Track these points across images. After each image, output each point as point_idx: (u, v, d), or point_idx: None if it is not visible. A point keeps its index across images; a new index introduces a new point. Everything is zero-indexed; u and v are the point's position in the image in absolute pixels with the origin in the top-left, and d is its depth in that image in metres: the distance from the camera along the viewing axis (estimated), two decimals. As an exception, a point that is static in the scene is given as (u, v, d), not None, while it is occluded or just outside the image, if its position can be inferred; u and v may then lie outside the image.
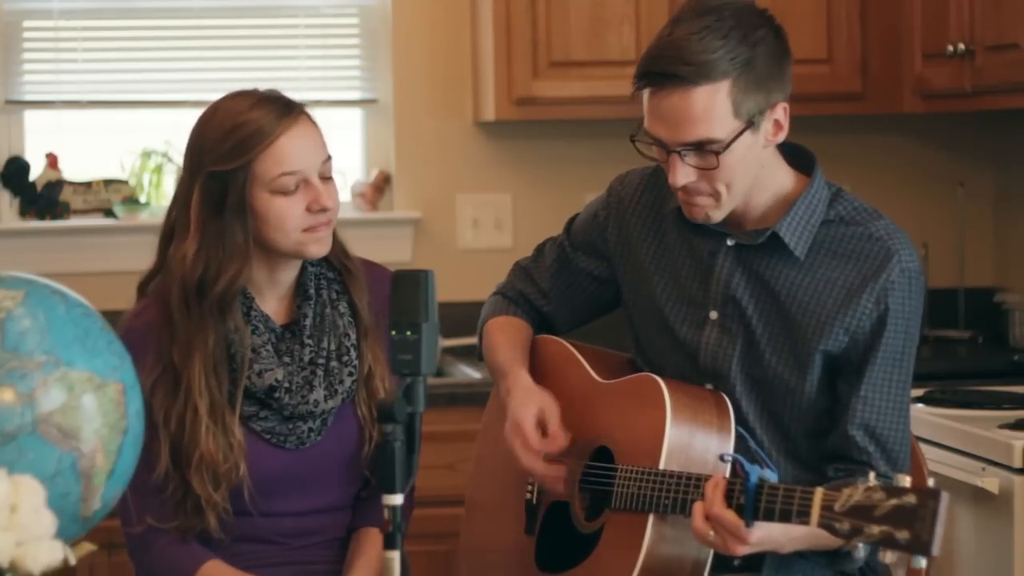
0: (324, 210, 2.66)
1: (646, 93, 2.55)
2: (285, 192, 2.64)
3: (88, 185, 4.67)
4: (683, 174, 2.54)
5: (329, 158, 2.70)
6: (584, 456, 2.70)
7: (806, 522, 2.27)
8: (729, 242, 2.66)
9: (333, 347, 2.73)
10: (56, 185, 4.64)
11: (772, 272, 2.63)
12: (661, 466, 2.54)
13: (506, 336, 2.86)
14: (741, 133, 2.52)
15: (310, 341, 2.72)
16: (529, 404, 2.70)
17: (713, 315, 2.67)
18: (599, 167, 4.53)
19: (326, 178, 2.69)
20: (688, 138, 2.51)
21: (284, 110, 2.66)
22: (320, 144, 2.70)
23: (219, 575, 2.67)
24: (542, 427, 2.68)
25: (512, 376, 2.76)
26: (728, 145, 2.51)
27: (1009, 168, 4.74)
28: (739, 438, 2.58)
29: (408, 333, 2.19)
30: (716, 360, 2.65)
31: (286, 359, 2.71)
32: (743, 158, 2.54)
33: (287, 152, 2.64)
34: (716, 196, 2.56)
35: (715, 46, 2.49)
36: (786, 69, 2.58)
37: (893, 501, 2.15)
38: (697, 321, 2.68)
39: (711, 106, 2.49)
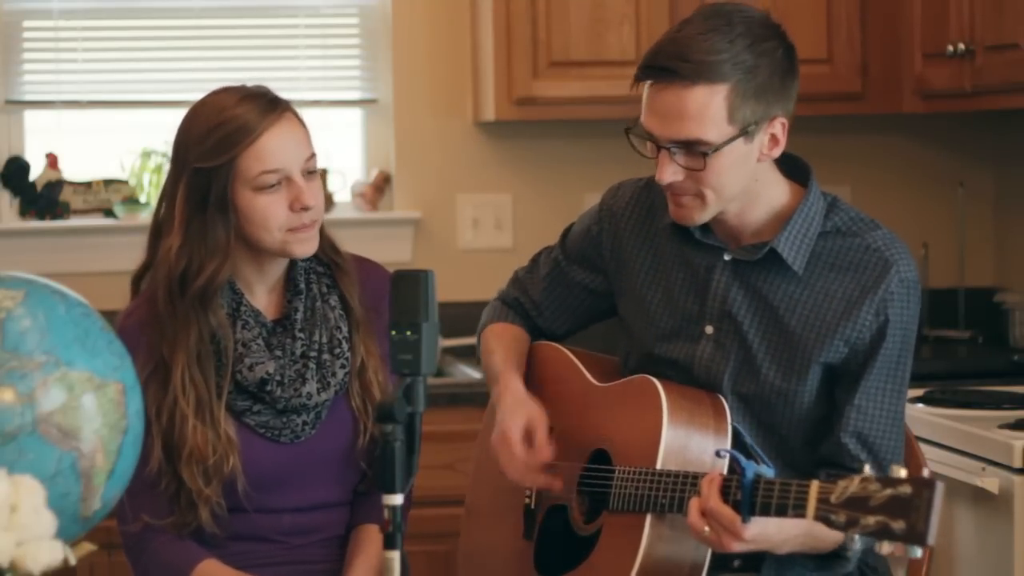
0: (306, 208, 2.66)
1: (646, 87, 2.55)
2: (267, 190, 2.64)
3: (88, 185, 4.67)
4: (670, 172, 2.54)
5: (313, 155, 2.70)
6: (582, 459, 2.70)
7: (802, 515, 2.26)
8: (726, 257, 2.65)
9: (325, 340, 2.74)
10: (56, 185, 4.64)
11: (770, 287, 2.63)
12: (658, 468, 2.54)
13: (501, 342, 2.86)
14: (733, 139, 2.51)
15: (301, 334, 2.73)
16: (517, 414, 2.69)
17: (709, 330, 2.66)
18: (599, 167, 4.54)
19: (310, 174, 2.68)
20: (678, 135, 2.51)
21: (268, 107, 2.66)
22: (304, 141, 2.69)
23: (215, 574, 2.67)
24: (529, 438, 2.68)
25: (503, 382, 2.76)
26: (717, 148, 2.51)
27: (1009, 168, 4.74)
28: (735, 436, 2.58)
29: (408, 333, 2.19)
30: (709, 374, 2.65)
31: (277, 353, 2.72)
32: (732, 166, 2.53)
33: (270, 150, 2.64)
34: (702, 198, 2.56)
35: (719, 48, 2.49)
36: (790, 85, 2.57)
37: (888, 492, 2.15)
38: (692, 336, 2.68)
39: (705, 107, 2.49)
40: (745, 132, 2.52)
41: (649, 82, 2.54)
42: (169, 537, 2.68)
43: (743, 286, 2.64)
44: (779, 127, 2.57)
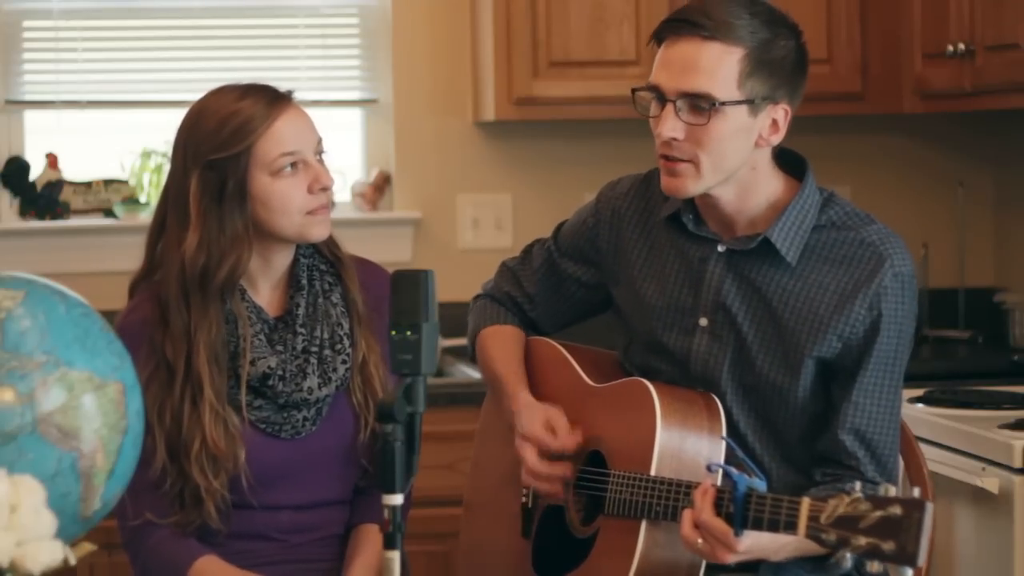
0: (325, 189, 2.70)
1: (661, 49, 2.57)
2: (285, 173, 2.67)
3: (88, 185, 4.67)
4: (671, 126, 2.54)
5: (321, 139, 2.75)
6: (578, 460, 2.70)
7: (793, 532, 2.27)
8: (720, 248, 2.65)
9: (326, 336, 2.75)
10: (56, 185, 4.64)
11: (764, 278, 2.63)
12: (652, 470, 2.54)
13: (502, 349, 2.86)
14: (739, 103, 2.53)
15: (303, 330, 2.74)
16: (535, 417, 2.71)
17: (703, 322, 2.66)
18: (599, 167, 4.53)
19: (320, 158, 2.73)
20: (688, 86, 2.52)
21: (274, 96, 2.71)
22: (312, 126, 2.74)
23: (214, 571, 2.67)
24: (551, 431, 2.69)
25: (515, 398, 2.77)
26: (723, 104, 2.51)
27: (1009, 168, 4.74)
28: (727, 449, 2.57)
29: (408, 333, 2.19)
30: (707, 367, 2.65)
31: (279, 348, 2.73)
32: (733, 134, 2.54)
33: (285, 133, 2.68)
34: (696, 165, 2.55)
35: (740, 14, 2.53)
36: (799, 77, 2.59)
37: (879, 513, 2.15)
38: (687, 328, 2.68)
39: (719, 64, 2.52)
40: (751, 102, 2.53)
41: (665, 42, 2.56)
42: (169, 533, 2.69)
43: (737, 277, 2.65)
44: (782, 113, 2.58)
